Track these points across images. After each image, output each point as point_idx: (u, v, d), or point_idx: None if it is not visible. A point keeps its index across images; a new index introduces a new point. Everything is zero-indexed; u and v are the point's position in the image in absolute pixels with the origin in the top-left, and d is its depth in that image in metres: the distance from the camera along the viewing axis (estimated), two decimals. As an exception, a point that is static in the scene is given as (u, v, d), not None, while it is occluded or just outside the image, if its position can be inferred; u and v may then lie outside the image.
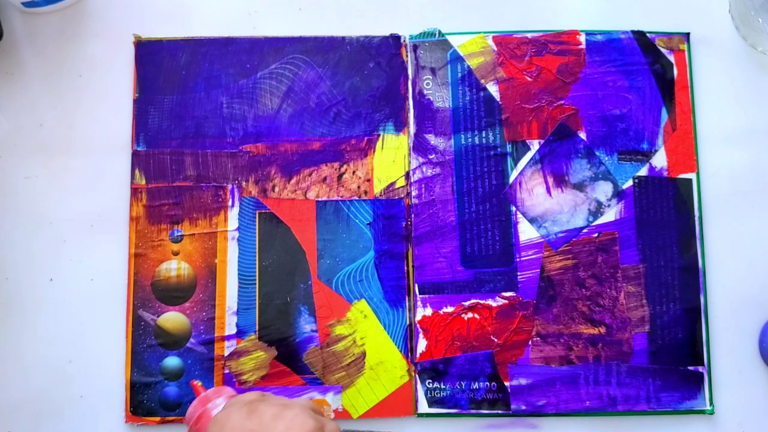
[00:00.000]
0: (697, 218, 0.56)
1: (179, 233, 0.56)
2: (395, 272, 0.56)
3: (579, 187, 0.57)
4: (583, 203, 0.57)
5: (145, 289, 0.56)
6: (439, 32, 0.58)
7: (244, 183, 0.57)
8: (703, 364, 0.55)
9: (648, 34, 0.58)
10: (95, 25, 0.59)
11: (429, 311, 0.55)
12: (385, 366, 0.55)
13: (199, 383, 0.50)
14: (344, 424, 0.53)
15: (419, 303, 0.55)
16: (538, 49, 0.58)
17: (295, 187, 0.57)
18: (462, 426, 0.55)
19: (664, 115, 0.57)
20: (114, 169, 0.57)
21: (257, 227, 0.56)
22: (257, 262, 0.56)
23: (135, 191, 0.57)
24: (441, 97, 0.57)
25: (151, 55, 0.58)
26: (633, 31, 0.58)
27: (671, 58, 0.58)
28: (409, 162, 0.57)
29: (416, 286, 0.56)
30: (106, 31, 0.59)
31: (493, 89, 0.58)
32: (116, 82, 0.58)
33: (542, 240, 0.56)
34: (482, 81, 0.58)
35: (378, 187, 0.57)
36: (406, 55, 0.58)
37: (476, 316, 0.55)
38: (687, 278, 0.56)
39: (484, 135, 0.57)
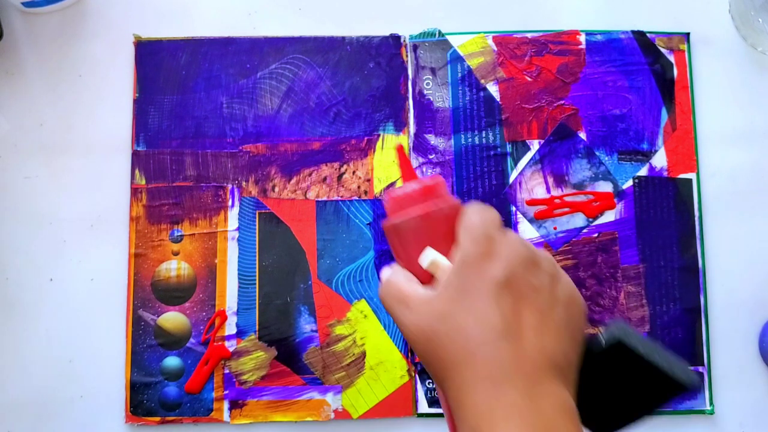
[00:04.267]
0: (697, 218, 0.56)
1: (179, 233, 0.56)
2: (395, 272, 0.56)
3: (579, 187, 0.57)
4: (583, 203, 0.57)
5: (145, 289, 0.56)
6: (439, 32, 0.58)
7: (244, 183, 0.57)
8: (703, 364, 0.55)
9: (648, 34, 0.58)
10: (95, 25, 0.59)
11: (429, 311, 0.55)
12: (385, 366, 0.55)
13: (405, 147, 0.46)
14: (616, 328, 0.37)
15: (419, 303, 0.55)
16: (538, 49, 0.58)
17: (295, 187, 0.57)
18: (462, 426, 0.55)
19: (664, 115, 0.57)
20: (114, 169, 0.57)
21: (257, 227, 0.56)
22: (257, 262, 0.56)
23: (135, 191, 0.57)
24: (441, 97, 0.57)
25: (151, 55, 0.58)
26: (633, 31, 0.58)
27: (671, 58, 0.58)
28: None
29: (416, 286, 0.55)
30: (106, 31, 0.59)
31: (493, 89, 0.58)
32: (116, 82, 0.58)
33: (542, 240, 0.56)
34: (482, 81, 0.58)
35: (378, 187, 0.57)
36: (406, 55, 0.58)
37: (476, 316, 0.55)
38: (687, 278, 0.56)
39: (484, 135, 0.57)
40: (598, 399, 0.35)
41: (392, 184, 0.56)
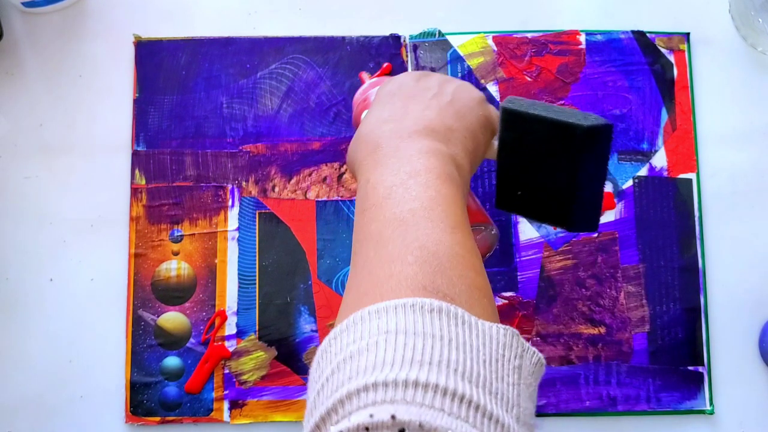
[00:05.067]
0: (697, 218, 0.56)
1: (179, 233, 0.56)
2: (395, 272, 0.56)
3: (579, 187, 0.57)
4: (583, 203, 0.56)
5: (145, 289, 0.56)
6: (439, 32, 0.58)
7: (244, 183, 0.57)
8: (703, 364, 0.55)
9: (648, 34, 0.58)
10: (95, 25, 0.59)
11: (429, 311, 0.55)
12: (385, 366, 0.55)
13: (367, 74, 0.52)
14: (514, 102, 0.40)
15: (419, 303, 0.55)
16: (538, 49, 0.58)
17: (295, 187, 0.57)
18: (462, 426, 0.54)
19: (664, 115, 0.57)
20: (114, 169, 0.57)
21: (257, 227, 0.56)
22: (257, 262, 0.56)
23: (135, 191, 0.57)
24: (441, 97, 0.57)
25: (151, 55, 0.58)
26: (633, 31, 0.58)
27: (671, 58, 0.58)
28: (409, 162, 0.57)
29: (416, 286, 0.55)
30: (106, 31, 0.59)
31: (493, 89, 0.58)
32: (116, 82, 0.58)
33: (542, 240, 0.56)
34: (482, 81, 0.58)
35: (378, 187, 0.57)
36: (406, 55, 0.58)
37: (476, 316, 0.55)
38: (687, 278, 0.56)
39: (484, 135, 0.57)
40: (527, 177, 0.39)
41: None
